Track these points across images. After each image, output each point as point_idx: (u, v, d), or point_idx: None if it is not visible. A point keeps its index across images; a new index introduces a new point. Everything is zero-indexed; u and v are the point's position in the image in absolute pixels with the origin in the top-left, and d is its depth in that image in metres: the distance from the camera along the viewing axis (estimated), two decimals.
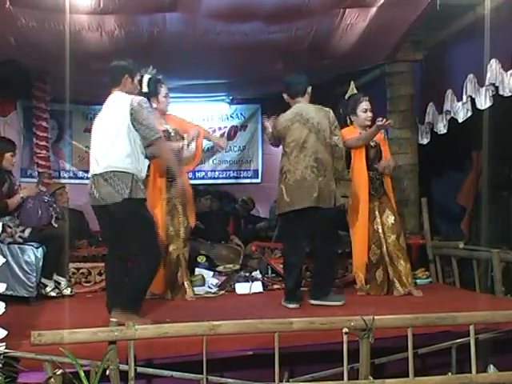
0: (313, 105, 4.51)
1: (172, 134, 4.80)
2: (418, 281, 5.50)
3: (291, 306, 4.34)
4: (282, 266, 4.92)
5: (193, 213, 4.94)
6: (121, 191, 3.70)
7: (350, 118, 5.00)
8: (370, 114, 4.91)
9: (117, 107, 3.83)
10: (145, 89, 4.54)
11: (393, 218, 4.97)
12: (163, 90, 4.78)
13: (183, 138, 4.85)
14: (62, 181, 6.93)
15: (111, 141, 3.78)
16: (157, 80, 4.70)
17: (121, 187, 3.70)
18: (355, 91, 5.09)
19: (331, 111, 4.49)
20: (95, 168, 3.83)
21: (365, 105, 4.92)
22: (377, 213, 4.95)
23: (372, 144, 4.96)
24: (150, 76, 4.60)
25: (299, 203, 4.29)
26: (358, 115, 4.93)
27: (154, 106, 4.66)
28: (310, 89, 4.54)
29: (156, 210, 4.67)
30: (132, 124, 3.76)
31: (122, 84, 3.90)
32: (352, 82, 5.15)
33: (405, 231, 5.25)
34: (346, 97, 5.06)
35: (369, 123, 4.92)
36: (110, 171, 3.73)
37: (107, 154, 3.77)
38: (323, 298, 4.30)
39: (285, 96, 4.59)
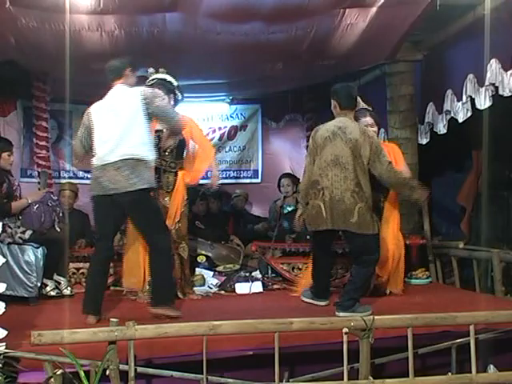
0: (358, 124, 4.31)
1: (164, 134, 4.79)
2: (417, 281, 5.50)
3: (322, 303, 4.43)
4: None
5: (176, 214, 4.83)
6: (133, 180, 3.79)
7: None
8: (372, 129, 4.70)
9: (126, 99, 3.94)
10: None
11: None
12: None
13: (184, 140, 4.85)
14: (63, 181, 6.92)
15: (125, 131, 3.87)
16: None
17: (134, 176, 3.80)
18: (362, 105, 4.89)
19: (375, 137, 4.33)
20: (107, 158, 3.86)
21: (368, 120, 4.76)
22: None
23: None
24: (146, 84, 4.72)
25: (337, 224, 4.15)
26: None
27: None
28: (358, 100, 4.41)
29: None
30: (147, 112, 3.90)
31: (125, 77, 4.02)
32: (358, 97, 5.05)
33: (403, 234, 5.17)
34: None
35: None
36: (126, 159, 3.81)
37: (122, 143, 3.85)
38: (351, 311, 4.03)
39: (333, 103, 4.33)
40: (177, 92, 4.84)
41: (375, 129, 4.86)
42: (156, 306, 3.87)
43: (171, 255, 4.17)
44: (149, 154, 3.92)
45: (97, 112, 4.02)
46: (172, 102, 4.77)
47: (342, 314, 3.97)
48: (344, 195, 4.11)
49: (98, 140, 3.95)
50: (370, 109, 4.93)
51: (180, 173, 4.86)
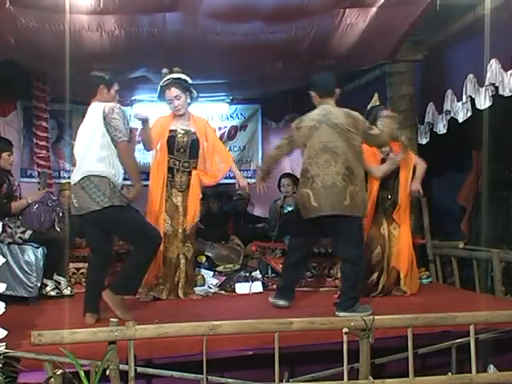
0: (341, 108, 4.32)
1: (179, 134, 4.82)
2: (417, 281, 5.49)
3: (281, 302, 4.32)
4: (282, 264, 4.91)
5: (194, 213, 4.88)
6: (97, 199, 3.78)
7: None
8: None
9: (91, 116, 3.96)
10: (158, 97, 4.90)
11: (398, 230, 4.99)
12: (167, 97, 4.83)
13: (198, 140, 4.89)
14: (63, 181, 6.92)
15: (86, 147, 3.91)
16: (161, 87, 4.84)
17: (97, 195, 3.78)
18: (378, 103, 5.03)
19: (360, 115, 4.33)
20: (74, 177, 3.94)
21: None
22: (384, 220, 4.97)
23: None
24: (160, 84, 4.83)
25: (328, 209, 4.11)
26: (378, 126, 4.84)
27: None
28: (338, 90, 4.40)
29: (155, 207, 4.74)
30: (106, 129, 3.85)
31: (98, 94, 4.01)
32: (376, 94, 5.09)
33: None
34: (368, 108, 4.97)
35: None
36: (86, 176, 3.82)
37: (83, 161, 3.89)
38: (351, 310, 4.02)
39: (312, 94, 4.39)
40: (192, 90, 4.89)
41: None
42: (112, 291, 3.82)
43: (152, 257, 4.06)
44: (109, 170, 3.84)
45: (78, 133, 4.09)
46: (188, 100, 4.87)
47: (342, 313, 3.97)
48: (336, 179, 4.11)
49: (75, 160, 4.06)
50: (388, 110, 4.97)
51: (194, 172, 4.88)
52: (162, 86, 4.83)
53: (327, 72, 4.53)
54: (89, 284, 4.05)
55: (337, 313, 4.02)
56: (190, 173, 4.87)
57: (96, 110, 3.94)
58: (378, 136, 4.32)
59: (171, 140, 4.81)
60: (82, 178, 3.83)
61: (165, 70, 4.84)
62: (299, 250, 4.42)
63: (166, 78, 4.81)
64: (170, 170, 4.82)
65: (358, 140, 4.21)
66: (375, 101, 5.03)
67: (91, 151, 3.87)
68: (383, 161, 4.93)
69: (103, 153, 3.85)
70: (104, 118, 3.85)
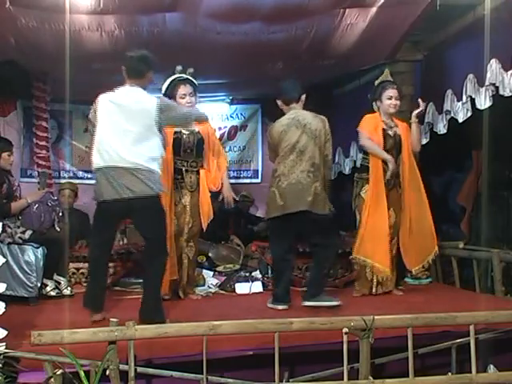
0: (309, 111, 4.47)
1: (185, 135, 4.80)
2: (417, 281, 5.49)
3: (280, 307, 4.33)
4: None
5: (209, 211, 4.85)
6: (151, 185, 3.69)
7: (376, 104, 4.98)
8: (394, 102, 4.88)
9: (143, 104, 3.75)
10: (163, 90, 4.76)
11: (394, 219, 4.97)
12: (180, 91, 4.70)
13: (202, 139, 4.86)
14: (62, 181, 6.93)
15: (139, 139, 3.70)
16: (174, 81, 4.75)
17: (151, 181, 3.69)
18: (389, 78, 5.05)
19: (326, 120, 4.48)
20: (117, 160, 3.68)
21: (391, 92, 4.89)
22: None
23: (390, 133, 4.92)
24: (171, 78, 4.75)
25: (293, 206, 4.25)
26: (382, 101, 4.90)
27: None
28: (304, 96, 4.51)
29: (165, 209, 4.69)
30: (160, 124, 3.75)
31: (145, 78, 3.83)
32: (387, 70, 5.13)
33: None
34: (376, 83, 5.03)
35: (393, 111, 4.93)
36: (139, 169, 3.68)
37: (135, 152, 3.69)
38: (316, 299, 4.20)
39: (279, 102, 4.55)
40: (197, 93, 4.85)
41: (398, 102, 4.94)
42: (145, 320, 3.60)
43: (164, 268, 3.93)
44: (158, 168, 3.79)
45: (106, 105, 3.77)
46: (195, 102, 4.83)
47: (308, 303, 4.19)
48: (300, 177, 4.29)
49: (106, 137, 3.73)
50: (395, 82, 5.05)
51: (202, 171, 4.87)
52: (175, 81, 4.73)
53: (291, 80, 4.64)
54: (92, 281, 3.96)
55: (303, 302, 4.21)
56: (198, 172, 4.86)
57: (145, 98, 3.76)
58: (330, 148, 4.48)
59: (177, 141, 4.75)
60: (134, 168, 3.66)
61: (179, 68, 4.79)
62: (285, 255, 4.44)
63: (180, 75, 4.74)
64: (179, 171, 4.78)
65: (323, 139, 4.37)
66: (386, 76, 5.05)
67: (147, 146, 3.71)
68: (384, 131, 4.89)
69: (157, 153, 3.77)
70: (160, 115, 3.71)
